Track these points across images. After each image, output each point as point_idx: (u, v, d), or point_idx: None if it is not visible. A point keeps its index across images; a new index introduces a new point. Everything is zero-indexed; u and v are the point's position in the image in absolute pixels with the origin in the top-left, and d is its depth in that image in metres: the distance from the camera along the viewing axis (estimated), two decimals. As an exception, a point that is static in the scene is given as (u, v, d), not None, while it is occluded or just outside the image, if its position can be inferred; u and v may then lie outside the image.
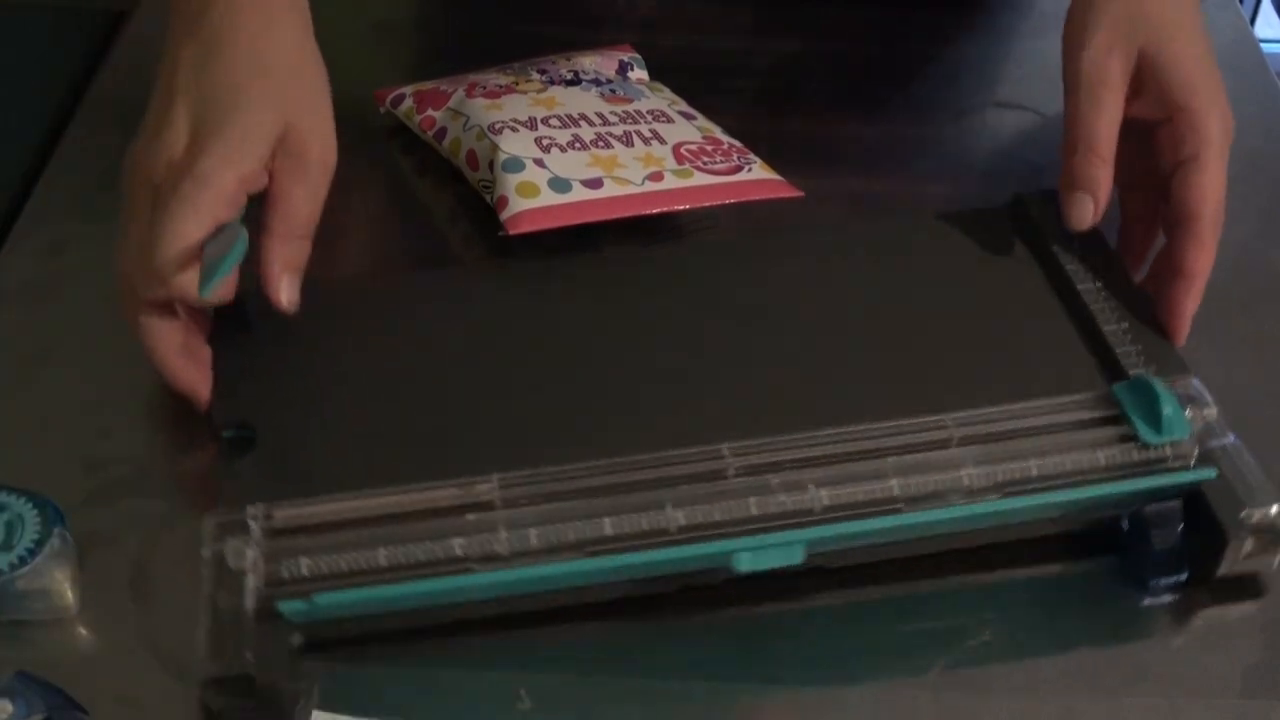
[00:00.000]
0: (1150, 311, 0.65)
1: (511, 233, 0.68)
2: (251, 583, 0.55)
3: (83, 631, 0.58)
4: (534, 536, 0.56)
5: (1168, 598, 0.59)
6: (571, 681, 0.57)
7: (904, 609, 0.59)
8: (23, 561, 0.57)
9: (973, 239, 0.69)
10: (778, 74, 0.86)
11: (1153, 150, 0.66)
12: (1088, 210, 0.65)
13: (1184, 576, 0.59)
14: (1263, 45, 0.88)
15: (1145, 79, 0.65)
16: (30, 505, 0.58)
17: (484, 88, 0.77)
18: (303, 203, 0.62)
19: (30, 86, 0.86)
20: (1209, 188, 0.63)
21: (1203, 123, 0.64)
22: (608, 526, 0.56)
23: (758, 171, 0.73)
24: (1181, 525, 0.58)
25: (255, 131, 0.61)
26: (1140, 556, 0.59)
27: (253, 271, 0.62)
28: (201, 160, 0.60)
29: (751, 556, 0.56)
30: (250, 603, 0.54)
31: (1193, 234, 0.64)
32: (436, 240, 0.75)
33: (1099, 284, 0.66)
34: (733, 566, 0.56)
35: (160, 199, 0.60)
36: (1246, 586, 0.59)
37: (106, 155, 0.67)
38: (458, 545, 0.55)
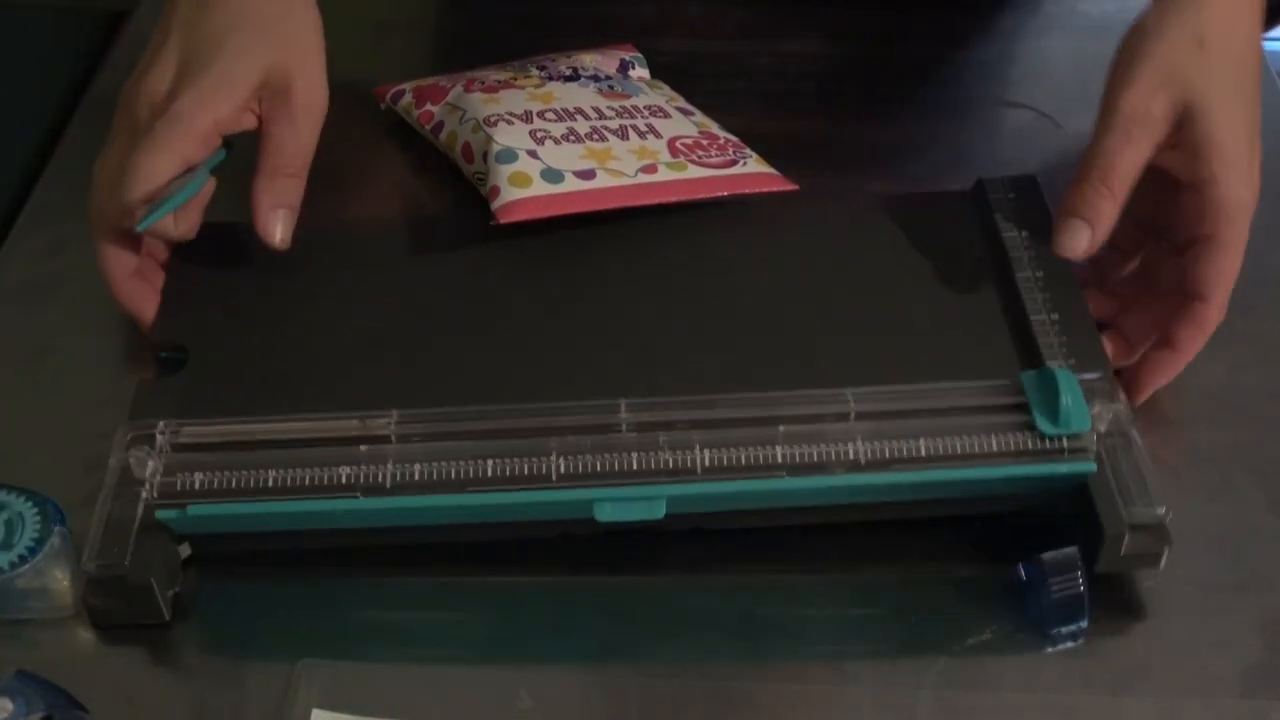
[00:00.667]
0: (1084, 306, 0.64)
1: (502, 221, 0.68)
2: (145, 492, 0.57)
3: (83, 631, 0.58)
4: (418, 471, 0.57)
5: (1072, 643, 0.57)
6: (571, 681, 0.57)
7: (904, 609, 0.59)
8: (23, 560, 0.57)
9: (926, 221, 0.69)
10: (778, 75, 0.86)
11: (1175, 212, 0.63)
12: (1083, 240, 0.63)
13: (1084, 623, 0.57)
14: (1263, 44, 0.88)
15: (1183, 134, 0.61)
16: (30, 505, 0.58)
17: (483, 83, 0.77)
18: (288, 141, 0.65)
19: (30, 86, 0.86)
20: (1224, 271, 0.61)
21: (1229, 199, 0.61)
22: (490, 468, 0.57)
23: (753, 165, 0.73)
24: (1080, 573, 0.57)
25: (232, 76, 0.63)
26: (1040, 604, 0.57)
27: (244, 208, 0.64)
28: (177, 102, 0.63)
29: (613, 507, 0.57)
30: (139, 510, 0.57)
31: (1194, 314, 0.61)
32: (433, 237, 0.75)
33: (1039, 274, 0.65)
34: (595, 516, 0.57)
35: (136, 136, 0.63)
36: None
37: (106, 155, 0.67)
38: (344, 474, 0.57)
